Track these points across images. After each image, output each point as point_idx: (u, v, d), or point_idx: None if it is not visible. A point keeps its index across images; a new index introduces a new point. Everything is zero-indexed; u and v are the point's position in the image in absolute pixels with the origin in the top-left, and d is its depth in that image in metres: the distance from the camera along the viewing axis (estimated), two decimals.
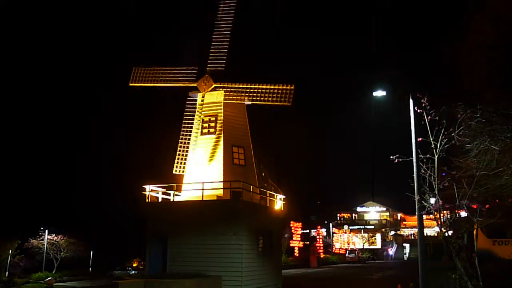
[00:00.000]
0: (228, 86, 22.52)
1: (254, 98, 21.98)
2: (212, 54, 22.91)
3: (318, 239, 56.73)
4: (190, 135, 22.99)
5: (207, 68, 22.95)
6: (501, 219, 12.67)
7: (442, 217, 10.77)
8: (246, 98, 22.23)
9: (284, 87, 21.51)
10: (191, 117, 23.38)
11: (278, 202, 23.97)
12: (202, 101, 22.75)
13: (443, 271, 14.25)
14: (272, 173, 26.19)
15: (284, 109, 22.52)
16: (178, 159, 23.40)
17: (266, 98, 21.70)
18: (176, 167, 23.35)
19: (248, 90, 22.12)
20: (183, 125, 23.47)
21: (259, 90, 21.89)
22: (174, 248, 20.14)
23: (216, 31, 23.04)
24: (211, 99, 22.82)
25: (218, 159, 21.69)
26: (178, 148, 23.39)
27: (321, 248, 56.51)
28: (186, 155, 23.04)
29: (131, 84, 24.12)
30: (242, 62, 24.30)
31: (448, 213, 10.96)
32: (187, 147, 23.03)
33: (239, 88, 22.31)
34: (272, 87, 21.69)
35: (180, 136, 23.42)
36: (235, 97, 22.38)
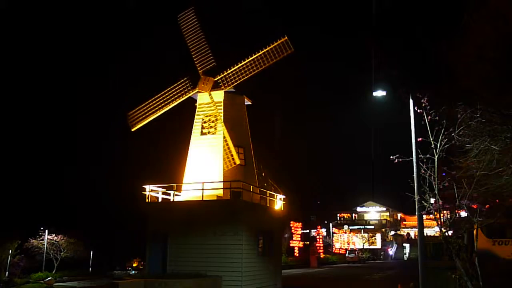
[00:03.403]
0: (229, 72, 22.47)
1: (258, 66, 22.07)
2: (196, 57, 23.00)
3: (318, 239, 56.72)
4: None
5: (200, 71, 22.99)
6: (501, 219, 12.67)
7: (442, 217, 10.77)
8: (251, 71, 22.19)
9: (278, 42, 21.91)
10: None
11: (278, 202, 23.96)
12: (211, 98, 22.65)
13: (443, 271, 14.25)
14: (272, 173, 26.20)
15: (284, 109, 22.50)
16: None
17: (268, 59, 21.97)
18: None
19: (248, 64, 22.17)
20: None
21: (258, 58, 22.07)
22: (174, 248, 20.14)
23: (188, 37, 23.08)
24: (211, 99, 22.82)
25: (218, 159, 21.69)
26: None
27: (321, 248, 56.50)
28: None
29: (133, 130, 23.51)
30: (231, 47, 24.32)
31: (448, 213, 10.96)
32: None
33: (240, 67, 22.31)
34: (268, 48, 21.97)
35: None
36: (240, 77, 22.30)
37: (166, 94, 23.24)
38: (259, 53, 22.09)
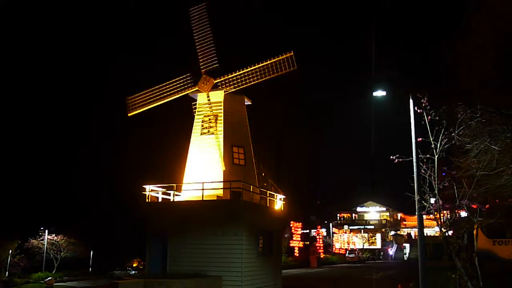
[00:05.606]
0: (229, 77, 22.39)
1: (260, 77, 21.89)
2: (201, 55, 22.86)
3: (318, 239, 56.69)
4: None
5: (202, 70, 22.91)
6: (501, 219, 12.68)
7: (442, 217, 10.77)
8: (251, 81, 22.07)
9: (284, 56, 21.66)
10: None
11: (278, 202, 23.96)
12: (209, 99, 22.70)
13: (443, 271, 14.25)
14: (272, 173, 26.19)
15: (284, 110, 22.47)
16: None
17: (271, 72, 21.77)
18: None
19: (250, 72, 22.04)
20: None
21: (261, 68, 21.88)
22: (174, 248, 20.12)
23: (196, 33, 22.82)
24: (211, 99, 22.81)
25: (218, 159, 21.69)
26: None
27: (321, 248, 56.46)
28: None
29: (130, 115, 23.73)
30: (235, 51, 24.21)
31: (448, 213, 10.96)
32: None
33: (241, 74, 22.19)
34: (272, 60, 21.77)
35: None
36: (240, 84, 22.21)
37: (167, 86, 23.26)
38: (262, 64, 21.86)
